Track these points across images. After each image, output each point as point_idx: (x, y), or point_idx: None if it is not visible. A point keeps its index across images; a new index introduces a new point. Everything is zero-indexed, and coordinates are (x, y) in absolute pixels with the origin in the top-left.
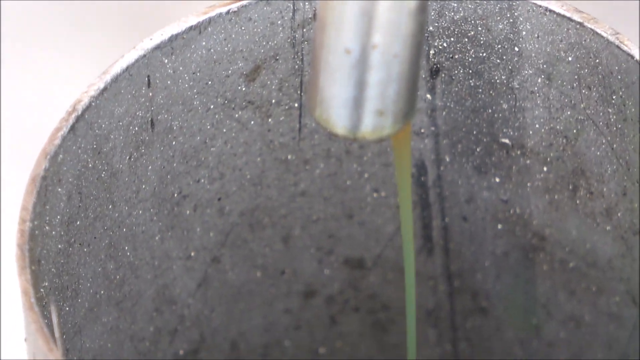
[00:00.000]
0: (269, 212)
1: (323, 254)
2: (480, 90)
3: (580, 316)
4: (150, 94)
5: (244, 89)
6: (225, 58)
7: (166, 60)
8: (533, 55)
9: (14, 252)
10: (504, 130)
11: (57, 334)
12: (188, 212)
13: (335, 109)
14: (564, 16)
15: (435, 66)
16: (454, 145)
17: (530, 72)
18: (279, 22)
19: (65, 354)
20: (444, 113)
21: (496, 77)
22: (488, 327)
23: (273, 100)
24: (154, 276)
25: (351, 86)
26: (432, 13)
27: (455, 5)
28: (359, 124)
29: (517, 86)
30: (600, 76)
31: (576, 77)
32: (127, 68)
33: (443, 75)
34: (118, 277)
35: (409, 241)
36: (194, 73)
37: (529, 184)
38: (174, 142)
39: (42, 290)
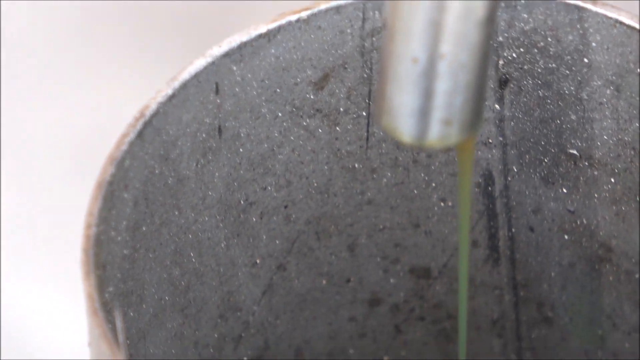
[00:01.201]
0: (335, 220)
1: (389, 263)
2: (548, 101)
3: None
4: (218, 101)
5: (312, 97)
6: (294, 66)
7: (235, 68)
8: (602, 66)
9: (79, 257)
10: (572, 141)
11: (121, 339)
12: (254, 219)
13: (402, 117)
14: (634, 28)
15: (504, 76)
16: (522, 156)
17: (599, 83)
18: (349, 30)
19: (129, 359)
20: (512, 123)
21: (565, 88)
22: (553, 337)
23: (341, 109)
24: (219, 283)
25: (418, 95)
26: (502, 23)
27: (526, 16)
28: (426, 133)
29: (586, 97)
30: None
31: None
32: (196, 75)
33: (512, 85)
34: (183, 283)
35: (465, 245)
36: (262, 80)
37: (596, 195)
38: (241, 149)
39: (106, 295)
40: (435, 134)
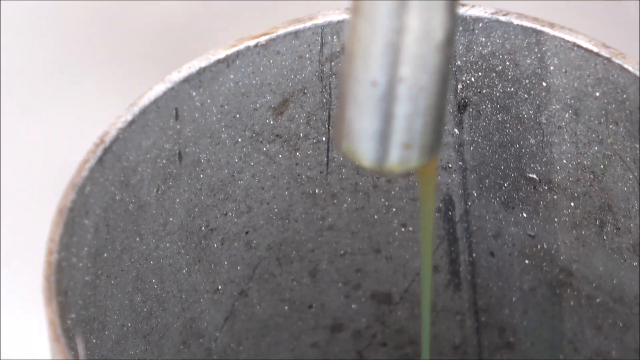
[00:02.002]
0: (297, 246)
1: (350, 288)
2: (507, 125)
3: (606, 352)
4: (178, 127)
5: (271, 122)
6: (253, 91)
7: (194, 93)
8: (561, 90)
9: (41, 283)
10: (532, 165)
11: None
12: (215, 245)
13: (362, 141)
14: (591, 51)
15: (462, 101)
16: (482, 180)
17: (558, 107)
18: (307, 55)
19: None
20: (471, 148)
21: (524, 112)
22: None
23: (301, 134)
24: (181, 309)
25: (378, 119)
26: (460, 47)
27: (484, 39)
28: (386, 157)
29: (545, 121)
30: (627, 111)
31: (603, 112)
32: (155, 100)
33: (471, 109)
34: (145, 309)
35: (427, 269)
36: (221, 106)
37: (556, 219)
38: (201, 175)
39: (68, 321)
40: (395, 158)
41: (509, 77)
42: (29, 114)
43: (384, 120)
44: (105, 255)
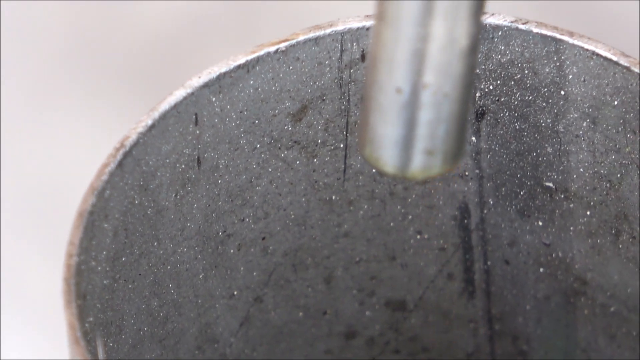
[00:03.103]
0: (312, 252)
1: (365, 296)
2: (525, 133)
3: None
4: (198, 132)
5: (290, 128)
6: (273, 97)
7: (214, 99)
8: (579, 99)
9: (60, 286)
10: (548, 173)
11: None
12: (232, 251)
13: (385, 148)
14: (610, 60)
15: (481, 109)
16: (498, 188)
17: (576, 115)
18: (327, 62)
19: None
20: (488, 156)
21: (541, 121)
22: None
23: (319, 141)
24: (197, 314)
25: (401, 125)
26: (479, 55)
27: (503, 48)
28: (409, 164)
29: (562, 130)
30: None
31: (621, 121)
32: (175, 105)
33: (488, 117)
34: (162, 314)
35: None
36: (241, 112)
37: (571, 228)
38: (219, 181)
39: (87, 325)
40: (418, 165)
41: (528, 85)
42: (51, 117)
43: (408, 126)
44: (123, 259)
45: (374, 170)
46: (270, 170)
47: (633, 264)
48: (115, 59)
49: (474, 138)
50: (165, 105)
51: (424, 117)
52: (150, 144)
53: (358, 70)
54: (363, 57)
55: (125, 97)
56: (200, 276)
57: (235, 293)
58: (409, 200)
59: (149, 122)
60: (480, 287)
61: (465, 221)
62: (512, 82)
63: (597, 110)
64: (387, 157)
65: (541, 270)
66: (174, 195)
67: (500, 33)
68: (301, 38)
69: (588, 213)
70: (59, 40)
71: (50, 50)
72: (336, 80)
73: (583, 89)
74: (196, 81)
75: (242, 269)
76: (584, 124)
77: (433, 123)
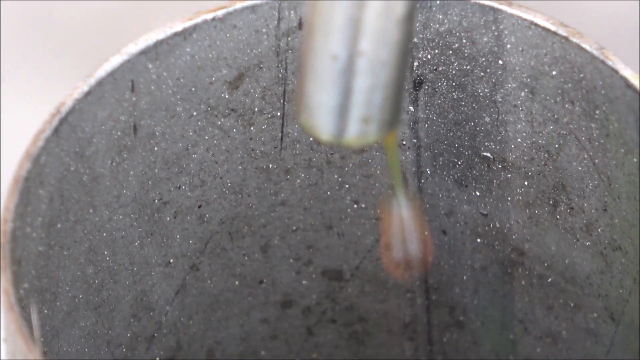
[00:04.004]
0: (249, 220)
1: (301, 265)
2: (463, 103)
3: (557, 332)
4: (134, 99)
5: (227, 96)
6: (210, 65)
7: (150, 66)
8: (517, 68)
9: None
10: (486, 143)
11: (36, 335)
12: (168, 218)
13: (321, 115)
14: (549, 30)
15: (418, 78)
16: (435, 158)
17: (514, 85)
18: (264, 30)
19: (43, 356)
20: (426, 125)
21: (479, 90)
22: (465, 341)
23: (256, 109)
24: (132, 282)
25: (337, 93)
26: (417, 25)
27: (441, 17)
28: (344, 131)
29: (500, 100)
30: (584, 91)
31: (560, 91)
32: (112, 72)
33: (426, 87)
34: (97, 281)
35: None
36: (177, 79)
37: (509, 198)
38: (156, 148)
39: (21, 291)
40: (354, 132)
41: (466, 54)
42: None
43: (343, 94)
44: (58, 225)
45: (311, 139)
46: (206, 138)
47: (570, 234)
48: (52, 25)
49: (411, 107)
50: (101, 72)
51: (360, 84)
52: (86, 111)
53: (295, 39)
54: (300, 25)
55: (61, 62)
56: (136, 244)
57: (171, 261)
58: (346, 169)
59: (85, 88)
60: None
61: None
62: (450, 52)
63: (535, 80)
64: (323, 124)
65: (478, 240)
66: (110, 162)
67: (438, 2)
68: (238, 5)
69: (526, 183)
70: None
71: None
72: (273, 48)
73: (521, 59)
74: (133, 48)
75: (178, 236)
76: (522, 94)
77: (369, 90)
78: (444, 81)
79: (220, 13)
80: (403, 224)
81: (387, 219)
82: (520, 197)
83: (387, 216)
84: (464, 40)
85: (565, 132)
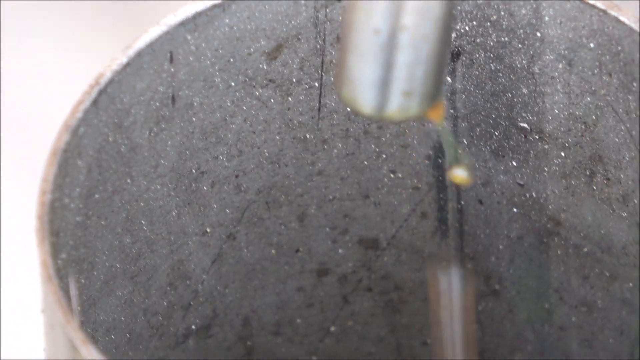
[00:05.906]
0: (286, 190)
1: (338, 234)
2: (500, 74)
3: (592, 301)
4: (172, 70)
5: (265, 67)
6: (248, 36)
7: (189, 37)
8: (555, 40)
9: (34, 224)
10: (523, 114)
11: (74, 306)
12: (205, 188)
13: (362, 88)
14: (587, 3)
15: (456, 49)
16: (473, 129)
17: (552, 57)
18: (302, 1)
19: (80, 326)
20: (463, 96)
21: (517, 62)
22: (500, 310)
23: (294, 79)
24: (169, 251)
25: (379, 66)
26: None
27: None
28: (386, 104)
29: (538, 71)
30: (621, 63)
31: (597, 63)
32: (151, 43)
33: (464, 58)
34: (134, 251)
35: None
36: (216, 50)
37: (546, 169)
38: (194, 119)
39: (59, 262)
40: (395, 106)
41: (504, 26)
42: (25, 55)
43: (385, 68)
44: (96, 196)
45: (348, 109)
46: (244, 108)
47: (607, 205)
48: None
49: (449, 78)
50: (140, 43)
51: (401, 58)
52: (125, 82)
53: (334, 10)
54: None
55: (100, 34)
56: (173, 213)
57: (208, 230)
58: (383, 139)
59: (124, 59)
60: (454, 227)
61: (440, 160)
62: (488, 23)
63: (573, 52)
64: (365, 98)
65: (515, 210)
66: (147, 132)
67: None
68: None
69: (563, 154)
70: None
71: None
72: (312, 20)
73: (559, 31)
74: (172, 19)
75: (215, 206)
76: (560, 66)
77: (411, 64)
78: (481, 53)
79: None
80: None
81: None
82: (557, 168)
83: None
84: (502, 12)
85: (602, 104)
